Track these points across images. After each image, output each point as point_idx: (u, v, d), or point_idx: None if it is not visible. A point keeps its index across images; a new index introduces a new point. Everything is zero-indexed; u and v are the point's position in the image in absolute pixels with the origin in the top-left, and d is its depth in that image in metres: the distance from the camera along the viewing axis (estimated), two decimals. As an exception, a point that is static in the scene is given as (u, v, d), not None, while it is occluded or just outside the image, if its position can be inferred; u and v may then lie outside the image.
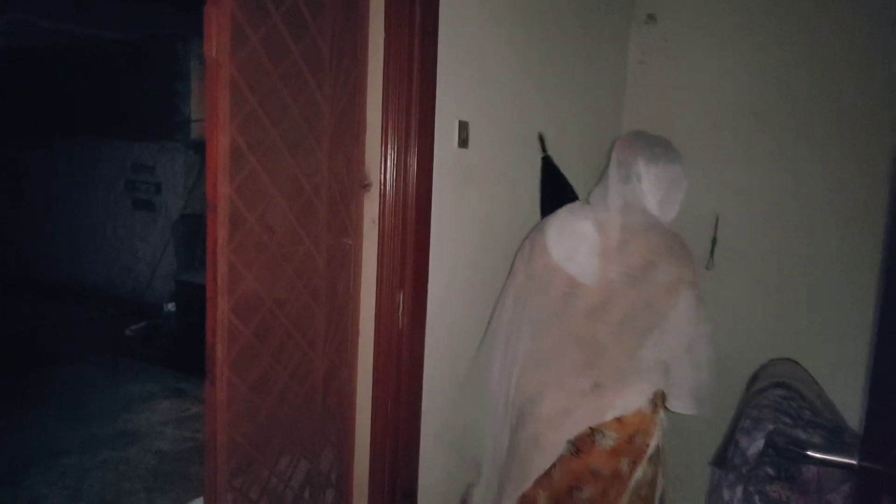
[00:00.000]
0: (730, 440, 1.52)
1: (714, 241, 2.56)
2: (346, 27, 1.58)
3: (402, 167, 1.64)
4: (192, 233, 5.26)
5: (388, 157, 1.64)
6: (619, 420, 1.55)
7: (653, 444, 1.55)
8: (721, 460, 1.53)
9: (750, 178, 2.59)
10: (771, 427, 1.31)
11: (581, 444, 1.57)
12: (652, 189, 1.64)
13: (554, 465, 1.59)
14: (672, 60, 2.80)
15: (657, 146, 1.69)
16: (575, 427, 1.57)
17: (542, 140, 2.23)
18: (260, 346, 1.45)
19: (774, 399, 1.40)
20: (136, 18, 5.36)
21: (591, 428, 1.57)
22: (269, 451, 1.51)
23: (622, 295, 1.60)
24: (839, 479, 1.23)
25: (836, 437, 1.26)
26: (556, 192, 2.15)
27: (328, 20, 1.53)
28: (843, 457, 1.13)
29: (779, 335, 2.15)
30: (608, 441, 1.56)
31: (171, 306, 4.99)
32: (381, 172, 1.66)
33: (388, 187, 1.65)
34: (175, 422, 3.54)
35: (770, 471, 1.33)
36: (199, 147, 5.23)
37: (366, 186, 1.68)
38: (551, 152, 2.26)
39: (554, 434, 1.59)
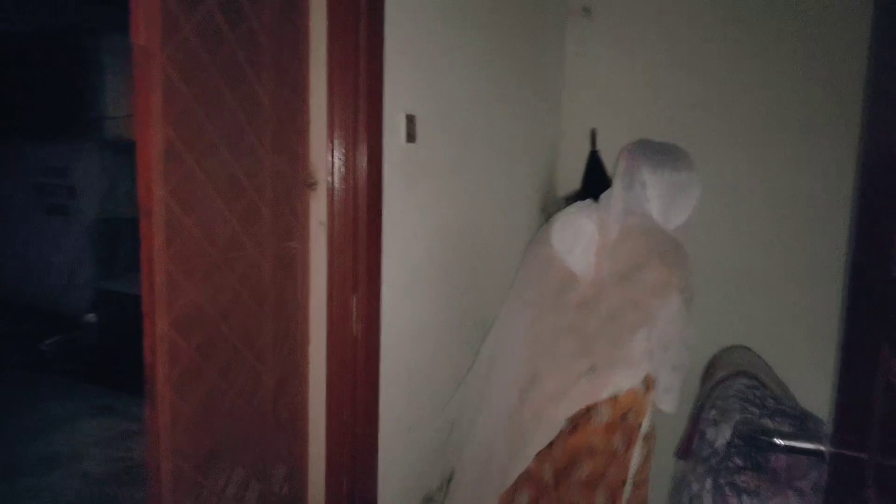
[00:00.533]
0: (694, 431, 1.52)
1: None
2: (286, 14, 1.48)
3: (350, 164, 1.55)
4: (112, 238, 4.95)
5: (335, 153, 1.55)
6: (613, 398, 1.63)
7: (645, 423, 1.61)
8: (686, 452, 1.53)
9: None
10: (738, 417, 1.30)
11: (578, 421, 1.65)
12: (657, 196, 1.70)
13: (553, 442, 1.67)
14: (608, 53, 2.81)
15: (662, 153, 1.75)
16: (573, 405, 1.64)
17: (593, 135, 2.42)
18: (204, 363, 1.33)
19: (739, 389, 1.40)
20: (40, 10, 4.97)
21: (587, 406, 1.64)
22: (217, 476, 1.40)
23: (610, 292, 1.67)
24: (807, 466, 1.24)
25: (801, 424, 1.27)
26: (597, 185, 2.20)
27: (266, 6, 1.41)
28: (812, 444, 1.13)
29: (729, 323, 2.19)
30: (603, 417, 1.63)
31: (91, 317, 4.67)
32: (327, 170, 1.56)
33: (335, 186, 1.56)
34: (103, 442, 3.30)
35: (738, 461, 1.33)
36: (116, 147, 4.91)
37: (311, 185, 1.58)
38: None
39: (554, 411, 1.66)
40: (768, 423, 1.26)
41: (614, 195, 1.76)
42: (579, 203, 1.89)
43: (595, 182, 2.37)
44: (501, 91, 2.33)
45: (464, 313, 2.18)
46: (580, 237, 1.77)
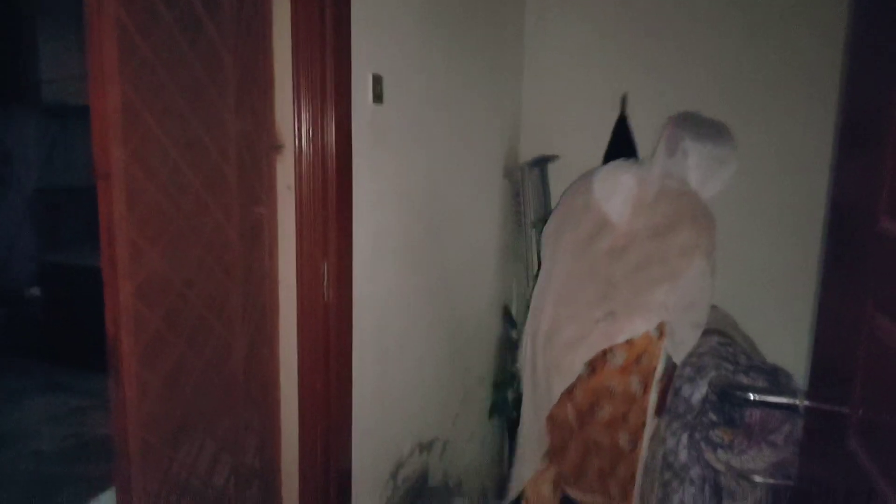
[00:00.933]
0: (667, 388, 1.55)
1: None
2: (247, -35, 1.39)
3: (318, 126, 1.49)
4: (53, 209, 4.71)
5: (302, 115, 1.48)
6: (628, 342, 1.70)
7: (659, 367, 1.66)
8: (660, 409, 1.56)
9: (646, 133, 2.65)
10: (714, 374, 1.33)
11: (595, 364, 1.73)
12: (696, 166, 1.82)
13: (574, 385, 1.76)
14: (569, 18, 2.79)
15: (706, 126, 1.86)
16: (589, 351, 1.73)
17: (624, 101, 2.45)
18: (170, 333, 1.27)
19: (712, 346, 1.42)
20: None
21: (603, 350, 1.72)
22: (187, 450, 1.35)
23: (641, 245, 1.77)
24: (780, 420, 1.28)
25: (773, 379, 1.30)
26: (623, 149, 2.36)
27: (226, -44, 1.33)
28: (788, 399, 1.16)
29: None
30: (618, 360, 1.71)
31: (34, 291, 4.46)
32: (294, 132, 1.49)
33: (303, 148, 1.50)
34: (53, 419, 3.19)
35: (713, 416, 1.36)
36: (54, 112, 4.64)
37: (278, 148, 1.52)
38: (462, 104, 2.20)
39: (571, 357, 1.76)
40: (743, 378, 1.28)
41: (655, 159, 1.89)
42: (621, 160, 2.03)
43: (621, 149, 2.43)
44: (465, 54, 2.28)
45: (431, 279, 2.16)
46: (621, 187, 1.88)
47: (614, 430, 1.71)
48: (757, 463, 1.26)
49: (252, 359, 1.50)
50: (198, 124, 1.29)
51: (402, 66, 1.85)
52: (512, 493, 2.11)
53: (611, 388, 1.71)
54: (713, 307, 1.78)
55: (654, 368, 1.66)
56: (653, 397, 1.65)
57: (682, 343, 1.67)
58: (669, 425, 1.40)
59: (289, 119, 1.49)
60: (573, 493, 1.87)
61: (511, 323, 2.95)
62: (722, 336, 1.49)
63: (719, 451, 1.30)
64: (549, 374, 1.82)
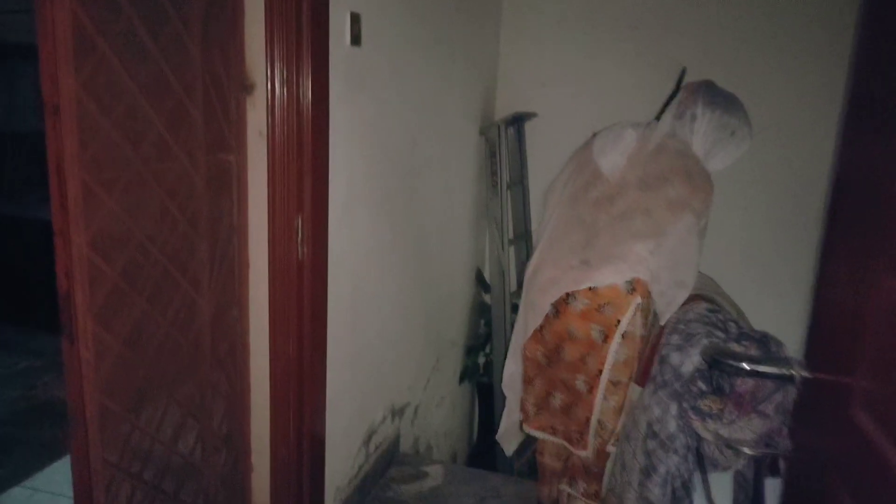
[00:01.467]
0: (652, 357, 1.50)
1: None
2: None
3: (293, 66, 1.36)
4: (-4, 156, 4.40)
5: (276, 52, 1.35)
6: (592, 289, 1.71)
7: (624, 320, 1.67)
8: (644, 378, 1.51)
9: (628, 90, 2.58)
10: (705, 342, 1.28)
11: (559, 306, 1.76)
12: (702, 132, 1.78)
13: (544, 325, 1.80)
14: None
15: (719, 96, 1.82)
16: (558, 292, 1.75)
17: (682, 75, 2.33)
18: (131, 290, 1.15)
19: (700, 313, 1.38)
20: None
21: (567, 293, 1.74)
22: (150, 416, 1.24)
23: (628, 195, 1.75)
24: (771, 390, 1.24)
25: (764, 347, 1.26)
26: None
27: None
28: (784, 369, 1.11)
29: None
30: (579, 305, 1.72)
31: (-25, 245, 4.19)
32: (266, 73, 1.36)
33: (276, 91, 1.37)
34: (0, 380, 3.01)
35: (702, 385, 1.32)
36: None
37: (248, 89, 1.38)
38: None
39: (542, 298, 1.79)
40: (735, 347, 1.24)
41: (663, 119, 1.86)
42: (634, 120, 1.97)
43: None
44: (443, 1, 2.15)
45: (406, 237, 2.07)
46: (618, 141, 1.86)
47: (574, 372, 1.76)
48: (745, 433, 1.23)
49: (220, 319, 1.39)
50: (159, 55, 1.15)
51: (380, 4, 1.71)
52: (507, 447, 2.17)
53: (571, 332, 1.74)
54: (702, 275, 1.74)
55: (618, 321, 1.66)
56: (613, 349, 1.67)
57: (669, 304, 1.66)
58: (655, 394, 1.36)
59: (261, 57, 1.35)
60: (534, 432, 1.94)
61: (484, 286, 2.89)
62: (708, 302, 1.45)
63: (708, 420, 1.26)
64: (526, 310, 1.88)
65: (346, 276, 1.66)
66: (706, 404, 1.28)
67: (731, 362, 1.13)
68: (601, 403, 1.74)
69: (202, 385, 1.37)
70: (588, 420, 1.77)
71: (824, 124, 2.28)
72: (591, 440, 1.77)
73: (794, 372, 1.12)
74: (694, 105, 1.82)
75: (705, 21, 2.44)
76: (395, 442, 2.17)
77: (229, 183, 1.38)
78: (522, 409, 1.95)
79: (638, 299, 1.68)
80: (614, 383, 1.75)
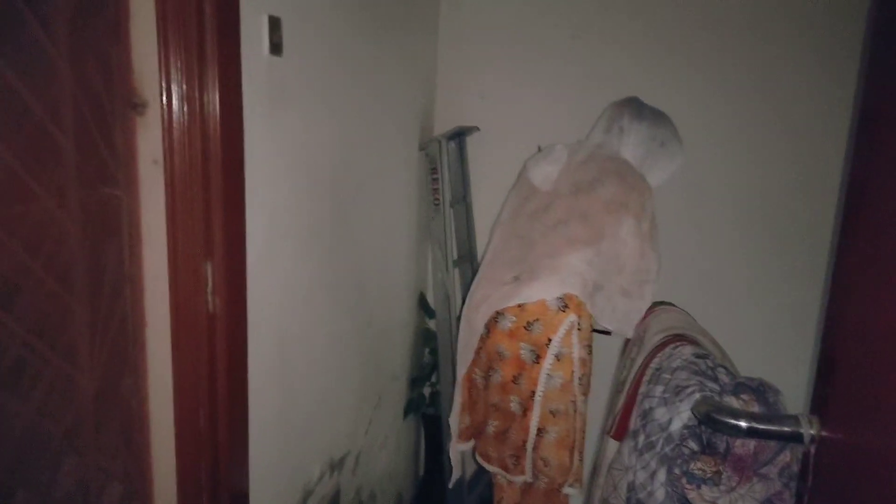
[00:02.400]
0: (630, 406, 1.32)
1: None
2: None
3: (195, 79, 1.10)
4: None
5: (172, 62, 1.09)
6: (520, 306, 1.62)
7: (555, 340, 1.57)
8: (622, 431, 1.33)
9: (571, 101, 2.43)
10: (699, 396, 1.11)
11: (489, 325, 1.69)
12: (632, 143, 1.76)
13: (480, 347, 1.73)
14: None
15: (646, 109, 1.83)
16: (489, 310, 1.68)
17: None
18: (-26, 376, 0.87)
19: (688, 359, 1.20)
20: None
21: (496, 311, 1.66)
22: (11, 531, 0.96)
23: (564, 202, 1.70)
24: (775, 450, 1.08)
25: (763, 398, 1.10)
26: None
27: None
28: (787, 427, 0.95)
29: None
30: (507, 323, 1.64)
31: None
32: (161, 87, 1.10)
33: (174, 109, 1.11)
34: None
35: (693, 444, 1.14)
36: None
37: (138, 108, 1.12)
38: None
39: (476, 317, 1.72)
40: (733, 401, 1.07)
41: (591, 135, 1.86)
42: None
43: None
44: (375, 5, 1.93)
45: (339, 269, 1.83)
46: (549, 155, 1.85)
47: (506, 394, 1.67)
48: (747, 500, 1.06)
49: (109, 393, 1.12)
50: (6, 66, 0.88)
51: (305, 8, 1.48)
52: (455, 473, 2.09)
53: (500, 352, 1.66)
54: (669, 305, 1.58)
55: (549, 340, 1.58)
56: (545, 371, 1.58)
57: (621, 317, 1.61)
58: (641, 455, 1.18)
59: (153, 68, 1.09)
60: (477, 458, 1.87)
61: (428, 312, 2.67)
62: (692, 345, 1.28)
63: (704, 487, 1.08)
64: (464, 331, 1.82)
65: (269, 324, 1.41)
66: (699, 467, 1.11)
67: (731, 421, 0.96)
68: (539, 436, 1.63)
69: (86, 474, 1.09)
70: (524, 444, 1.66)
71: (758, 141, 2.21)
72: (528, 465, 1.66)
73: (804, 431, 0.96)
74: (621, 118, 1.83)
75: (645, 31, 2.32)
76: (335, 499, 1.92)
77: (117, 225, 1.11)
78: (456, 431, 1.89)
79: (571, 317, 1.58)
80: (553, 413, 1.61)
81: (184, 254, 1.13)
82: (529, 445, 1.64)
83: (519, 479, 1.69)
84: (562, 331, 1.57)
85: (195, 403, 1.18)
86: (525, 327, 1.61)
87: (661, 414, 1.16)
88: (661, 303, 1.58)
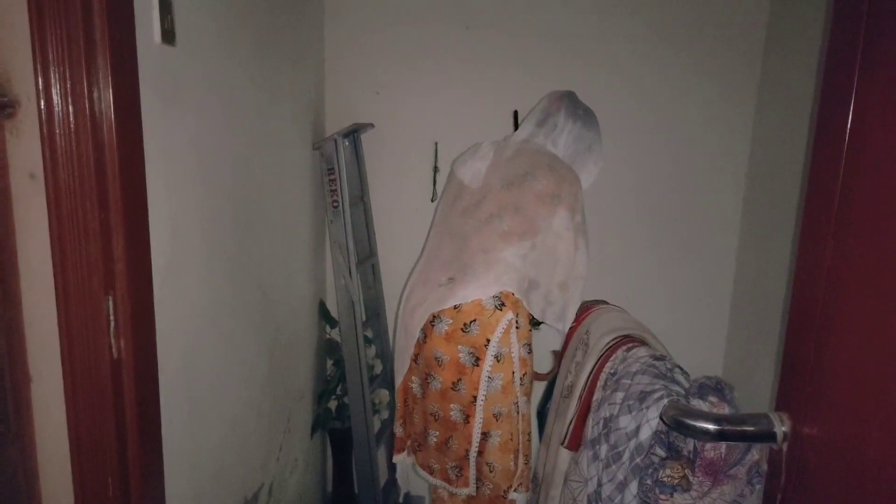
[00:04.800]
0: (584, 414, 1.27)
1: (436, 170, 2.38)
2: None
3: (80, 70, 0.89)
4: None
5: (51, 50, 0.87)
6: (456, 308, 1.56)
7: (493, 339, 1.52)
8: (577, 441, 1.27)
9: (467, 94, 2.36)
10: (666, 401, 1.07)
11: (426, 330, 1.62)
12: (563, 143, 1.72)
13: (417, 353, 1.66)
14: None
15: (581, 108, 1.79)
16: (425, 314, 1.61)
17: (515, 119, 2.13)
18: None
19: (646, 362, 1.17)
20: None
21: (433, 314, 1.60)
22: None
23: (495, 196, 1.66)
24: (744, 450, 1.07)
25: (723, 397, 1.09)
26: None
27: None
28: (760, 427, 0.95)
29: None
30: (444, 326, 1.58)
31: None
32: (37, 81, 0.87)
33: (55, 109, 0.88)
34: None
35: (661, 451, 1.11)
36: None
37: (6, 109, 0.88)
38: None
39: (412, 322, 1.65)
40: (701, 404, 1.05)
41: (522, 126, 1.79)
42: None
43: None
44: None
45: (245, 286, 1.63)
46: (476, 152, 1.81)
47: (447, 401, 1.60)
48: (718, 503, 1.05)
49: (-15, 472, 0.88)
50: None
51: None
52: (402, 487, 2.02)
53: (438, 357, 1.59)
54: (608, 305, 1.55)
55: (487, 341, 1.52)
56: (485, 373, 1.53)
57: (559, 312, 1.59)
58: (608, 467, 1.13)
59: (25, 59, 0.86)
60: (419, 471, 1.77)
61: (329, 321, 2.50)
62: (644, 346, 1.26)
63: (675, 495, 1.06)
64: (400, 338, 1.75)
65: (176, 361, 1.20)
66: (668, 475, 1.08)
67: (703, 425, 0.93)
68: (484, 440, 1.57)
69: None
70: (467, 453, 1.59)
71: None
72: (472, 476, 1.59)
73: (776, 429, 0.96)
74: (557, 113, 1.78)
75: (540, 20, 2.30)
76: (250, 540, 1.72)
77: (-16, 257, 0.87)
78: (396, 444, 1.80)
79: (509, 315, 1.53)
80: (496, 416, 1.56)
81: (77, 289, 0.92)
82: (472, 454, 1.58)
83: (462, 491, 1.61)
84: (499, 330, 1.52)
85: (102, 472, 0.96)
86: (462, 329, 1.55)
87: (626, 422, 1.12)
88: (596, 301, 1.56)
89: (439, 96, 2.39)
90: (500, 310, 1.52)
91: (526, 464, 1.58)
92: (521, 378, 1.55)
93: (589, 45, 2.27)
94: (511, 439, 1.55)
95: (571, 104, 1.80)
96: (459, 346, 1.55)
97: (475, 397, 1.54)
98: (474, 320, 1.53)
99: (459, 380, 1.56)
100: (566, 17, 2.28)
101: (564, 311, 1.59)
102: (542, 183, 1.61)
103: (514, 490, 1.56)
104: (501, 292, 1.52)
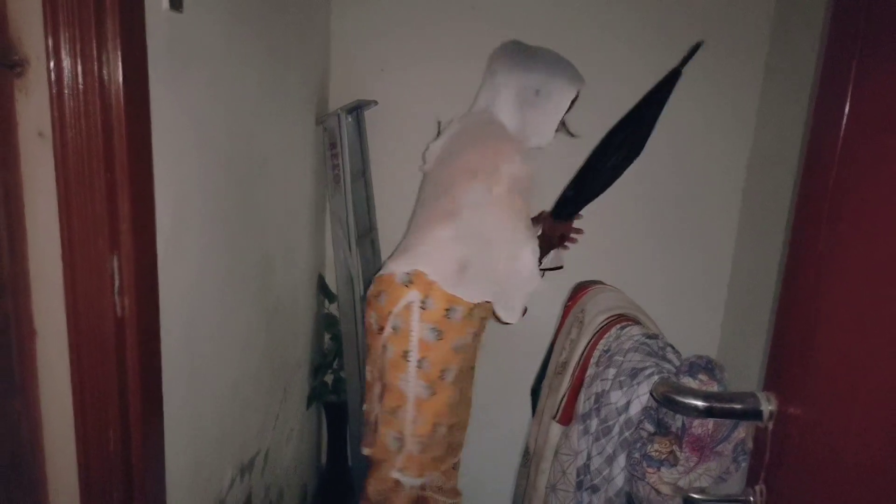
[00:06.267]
0: (577, 389, 1.30)
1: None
2: None
3: (90, 31, 0.90)
4: None
5: (61, 11, 0.88)
6: (378, 277, 1.63)
7: (394, 312, 1.54)
8: (569, 416, 1.30)
9: (472, 73, 2.36)
10: (657, 378, 1.10)
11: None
12: (507, 103, 1.58)
13: None
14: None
15: (520, 55, 1.61)
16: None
17: (693, 50, 1.74)
18: None
19: (639, 340, 1.19)
20: None
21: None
22: None
23: (433, 176, 1.66)
24: (730, 427, 1.09)
25: (712, 375, 1.11)
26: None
27: None
28: (748, 404, 0.97)
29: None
30: (369, 292, 1.65)
31: None
32: (47, 42, 0.88)
33: (64, 69, 0.90)
34: None
35: (649, 427, 1.14)
36: None
37: (16, 67, 0.89)
38: None
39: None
40: (690, 381, 1.08)
41: (477, 97, 1.69)
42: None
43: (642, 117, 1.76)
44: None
45: (245, 253, 1.65)
46: (442, 134, 1.76)
47: (369, 365, 1.69)
48: (704, 479, 1.08)
49: (-9, 422, 0.90)
50: None
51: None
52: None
53: (366, 322, 1.69)
54: (605, 285, 1.57)
55: (389, 312, 1.56)
56: (388, 345, 1.56)
57: (499, 293, 1.53)
58: (597, 441, 1.16)
59: (35, 19, 0.87)
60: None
61: (328, 295, 2.53)
62: (637, 325, 1.28)
63: (663, 469, 1.08)
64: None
65: (178, 323, 1.23)
66: (656, 449, 1.11)
67: (692, 402, 0.95)
68: (377, 405, 1.63)
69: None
70: (374, 416, 1.65)
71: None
72: (375, 438, 1.64)
73: (762, 408, 0.98)
74: (495, 74, 1.64)
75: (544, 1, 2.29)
76: (247, 503, 1.76)
77: (-8, 213, 0.89)
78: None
79: (412, 294, 1.53)
80: (385, 386, 1.60)
81: (83, 247, 0.94)
82: (372, 418, 1.65)
83: (365, 451, 1.67)
84: (400, 305, 1.54)
85: (104, 424, 0.99)
86: (375, 297, 1.61)
87: (616, 397, 1.15)
88: (593, 282, 1.58)
89: (444, 75, 2.39)
90: (407, 287, 1.53)
91: (421, 452, 1.57)
92: (418, 360, 1.52)
93: (597, 26, 2.27)
94: (394, 416, 1.56)
95: (509, 56, 1.62)
96: (371, 313, 1.62)
97: (376, 362, 1.62)
98: (382, 291, 1.58)
99: (370, 344, 1.64)
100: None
101: (512, 303, 1.54)
102: (464, 158, 1.55)
103: (398, 470, 1.59)
104: (414, 270, 1.52)
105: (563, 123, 1.70)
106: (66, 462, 1.00)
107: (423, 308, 1.51)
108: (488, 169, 1.50)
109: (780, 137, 2.01)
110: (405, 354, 1.53)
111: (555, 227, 1.81)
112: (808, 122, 1.81)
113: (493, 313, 1.62)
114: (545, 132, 1.58)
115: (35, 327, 0.96)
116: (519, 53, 1.60)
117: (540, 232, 1.79)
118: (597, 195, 1.78)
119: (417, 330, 1.51)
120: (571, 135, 1.80)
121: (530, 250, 1.53)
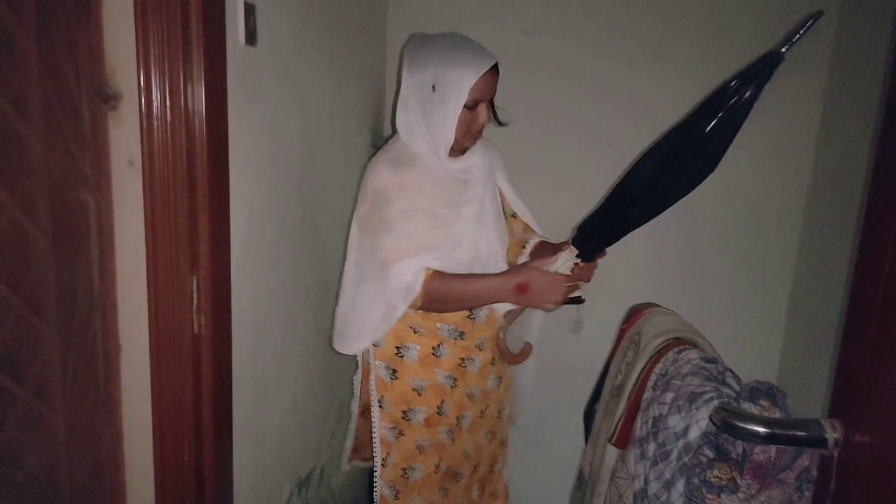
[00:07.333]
0: (633, 412, 1.29)
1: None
2: None
3: (178, 68, 0.97)
4: None
5: (152, 49, 0.95)
6: None
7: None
8: (626, 439, 1.30)
9: (522, 99, 2.38)
10: (717, 403, 1.09)
11: None
12: (412, 107, 1.44)
13: None
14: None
15: (418, 48, 1.42)
16: None
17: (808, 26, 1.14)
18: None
19: (698, 364, 1.19)
20: None
21: None
22: None
23: None
24: (793, 455, 1.08)
25: (774, 402, 1.10)
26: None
27: None
28: (811, 432, 0.95)
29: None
30: None
31: None
32: (139, 77, 0.96)
33: (154, 102, 0.97)
34: None
35: (709, 453, 1.13)
36: None
37: (111, 101, 0.97)
38: None
39: None
40: (751, 407, 1.07)
41: None
42: None
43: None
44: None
45: (307, 273, 1.70)
46: None
47: None
48: (766, 507, 1.06)
49: (80, 432, 0.97)
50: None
51: (274, -5, 1.35)
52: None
53: None
54: (659, 307, 1.55)
55: None
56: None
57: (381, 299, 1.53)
58: (655, 465, 1.15)
59: (129, 56, 0.95)
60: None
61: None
62: (696, 349, 1.27)
63: (723, 496, 1.07)
64: None
65: (249, 338, 1.28)
66: (716, 476, 1.09)
67: (753, 427, 0.94)
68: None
69: (57, 532, 0.94)
70: None
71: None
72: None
73: (827, 436, 0.96)
74: (404, 85, 1.46)
75: (599, 28, 2.30)
76: (302, 519, 1.80)
77: (86, 235, 0.96)
78: None
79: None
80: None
81: (166, 268, 1.00)
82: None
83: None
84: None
85: (179, 437, 1.04)
86: None
87: (675, 422, 1.14)
88: (648, 304, 1.57)
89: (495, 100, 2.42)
90: None
91: (395, 499, 1.70)
92: (378, 400, 1.57)
93: (653, 52, 2.27)
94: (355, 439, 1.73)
95: (408, 53, 1.45)
96: None
97: None
98: None
99: None
100: (626, 23, 2.28)
101: (340, 327, 1.61)
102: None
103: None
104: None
105: (494, 111, 1.54)
106: (143, 470, 1.06)
107: (375, 346, 1.58)
108: (357, 206, 1.54)
109: (844, 154, 1.97)
110: (366, 386, 1.62)
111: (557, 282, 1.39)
112: (874, 136, 1.77)
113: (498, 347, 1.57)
114: (447, 130, 1.38)
115: (121, 343, 1.02)
116: (415, 49, 1.42)
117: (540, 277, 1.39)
118: (639, 224, 1.38)
119: (373, 366, 1.58)
120: (500, 123, 1.61)
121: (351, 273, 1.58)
